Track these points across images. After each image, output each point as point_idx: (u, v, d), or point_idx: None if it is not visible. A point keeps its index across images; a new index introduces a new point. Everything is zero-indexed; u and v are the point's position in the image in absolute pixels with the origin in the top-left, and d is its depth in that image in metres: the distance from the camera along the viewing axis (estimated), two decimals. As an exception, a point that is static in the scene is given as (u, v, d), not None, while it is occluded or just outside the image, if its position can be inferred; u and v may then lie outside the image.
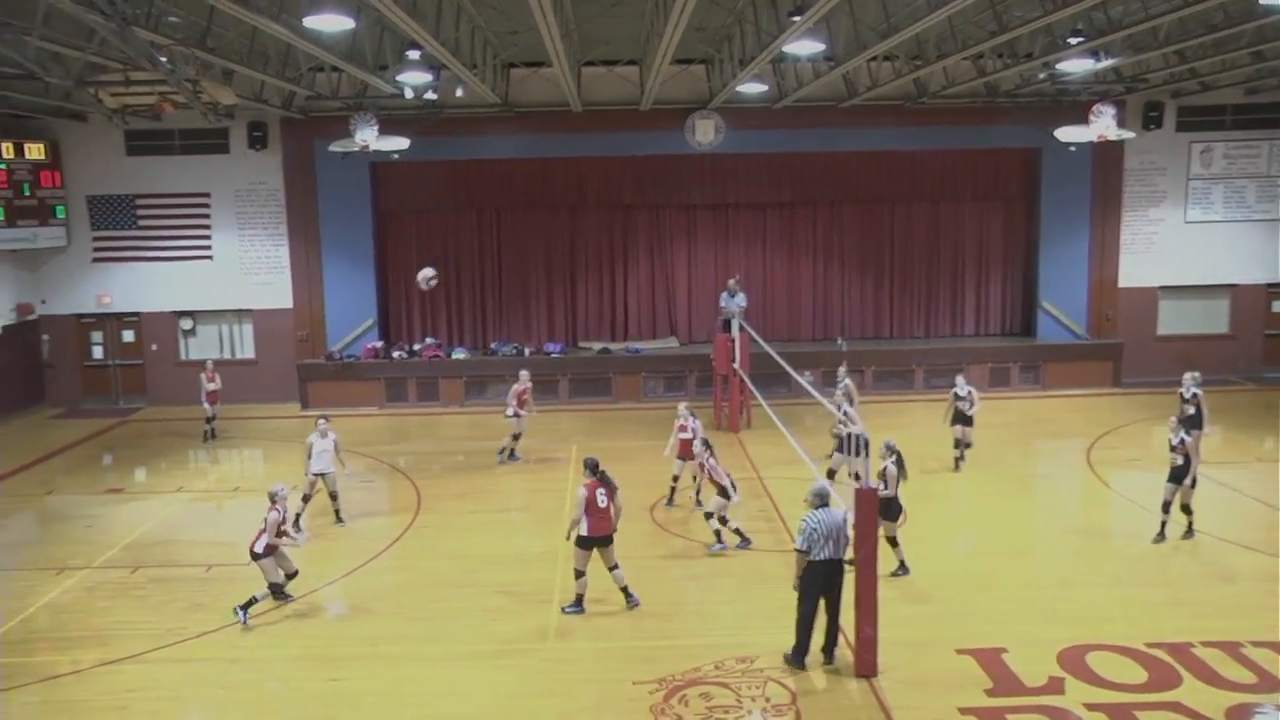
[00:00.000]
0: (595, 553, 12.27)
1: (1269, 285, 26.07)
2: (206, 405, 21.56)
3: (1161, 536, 14.38)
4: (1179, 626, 11.71)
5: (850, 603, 10.76)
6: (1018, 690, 10.39)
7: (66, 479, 19.33)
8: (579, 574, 12.30)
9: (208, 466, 20.43)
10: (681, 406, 16.38)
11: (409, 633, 12.09)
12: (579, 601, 12.33)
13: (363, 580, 13.91)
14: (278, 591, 12.69)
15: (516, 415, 19.24)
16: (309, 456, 15.58)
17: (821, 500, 10.67)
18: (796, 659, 10.80)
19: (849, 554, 10.75)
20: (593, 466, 12.24)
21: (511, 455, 19.52)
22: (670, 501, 16.47)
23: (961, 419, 17.98)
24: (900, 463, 13.23)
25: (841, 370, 19.10)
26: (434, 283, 18.60)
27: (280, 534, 12.42)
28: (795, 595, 10.86)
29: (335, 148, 21.53)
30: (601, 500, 12.08)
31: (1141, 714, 9.90)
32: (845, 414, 15.43)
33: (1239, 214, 25.77)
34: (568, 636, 11.88)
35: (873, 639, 10.68)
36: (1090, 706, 10.01)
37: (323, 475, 15.62)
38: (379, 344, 25.08)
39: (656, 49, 16.90)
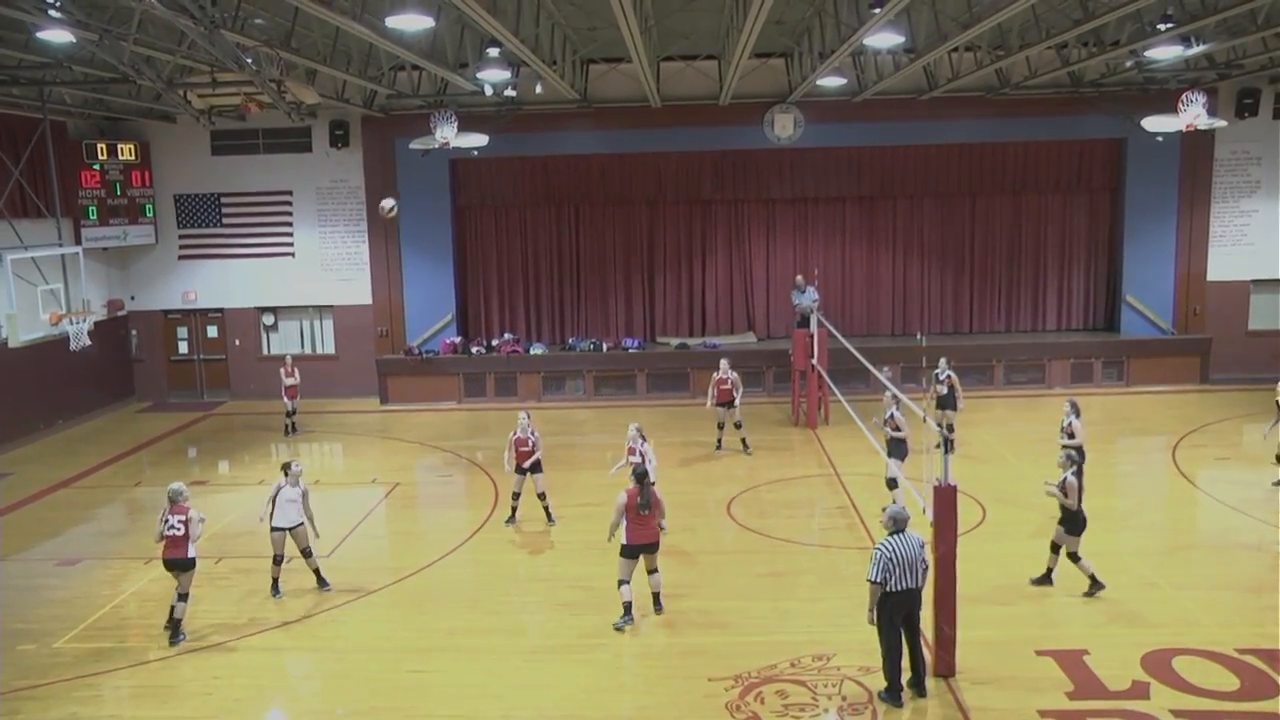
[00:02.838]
0: (641, 560, 12.16)
1: (1369, 279, 25.10)
2: (286, 400, 22.02)
3: None
4: (1273, 632, 11.32)
5: (929, 600, 10.59)
6: (1100, 694, 10.16)
7: (154, 471, 19.88)
8: (621, 583, 12.04)
9: (289, 460, 20.78)
10: (632, 428, 15.30)
11: (487, 626, 12.23)
12: (627, 611, 12.07)
13: (440, 574, 14.10)
14: (175, 614, 11.94)
15: (731, 405, 19.19)
16: (272, 506, 13.13)
17: (897, 525, 10.01)
18: (892, 697, 10.09)
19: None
20: (639, 477, 12.17)
21: (744, 445, 19.59)
22: (511, 520, 15.83)
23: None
24: (1081, 473, 12.55)
25: (943, 362, 18.88)
26: (393, 213, 18.56)
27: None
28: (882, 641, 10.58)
29: (415, 145, 21.80)
30: (643, 509, 11.94)
31: (1234, 723, 9.62)
32: (891, 416, 15.19)
33: (1339, 204, 24.84)
34: (644, 632, 11.91)
35: (951, 638, 10.53)
36: (1177, 713, 9.75)
37: (290, 530, 13.09)
38: (457, 339, 25.37)
39: (736, 43, 16.83)
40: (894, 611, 9.96)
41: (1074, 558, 12.50)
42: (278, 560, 13.14)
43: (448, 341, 25.25)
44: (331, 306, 25.86)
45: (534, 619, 12.38)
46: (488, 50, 18.23)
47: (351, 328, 25.72)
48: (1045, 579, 12.76)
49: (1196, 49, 17.75)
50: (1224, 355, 24.70)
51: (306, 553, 13.25)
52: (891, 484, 15.03)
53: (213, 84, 15.98)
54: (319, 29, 16.94)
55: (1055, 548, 12.66)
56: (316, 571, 13.39)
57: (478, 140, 21.68)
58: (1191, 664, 10.68)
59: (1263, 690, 10.18)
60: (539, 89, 21.89)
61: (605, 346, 25.31)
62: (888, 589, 9.87)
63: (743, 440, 19.54)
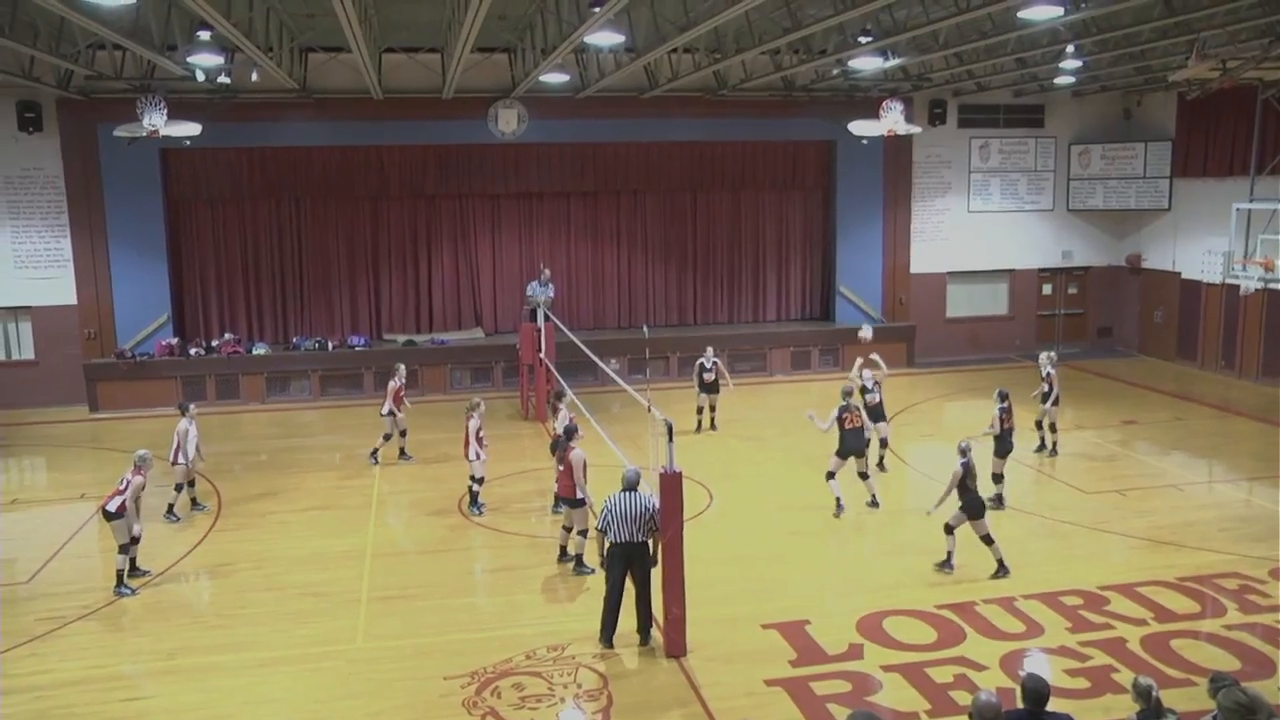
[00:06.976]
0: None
1: (1039, 270, 28.17)
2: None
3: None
4: (965, 588, 12.53)
5: (659, 585, 10.97)
6: (820, 659, 10.83)
7: None
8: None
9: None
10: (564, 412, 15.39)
11: (211, 642, 11.60)
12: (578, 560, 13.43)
13: (158, 590, 13.24)
14: (130, 557, 13.11)
15: (392, 414, 18.20)
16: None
17: (626, 485, 11.11)
18: (602, 637, 11.15)
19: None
20: (569, 433, 13.56)
21: (402, 454, 18.60)
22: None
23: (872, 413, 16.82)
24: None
25: (1044, 358, 18.37)
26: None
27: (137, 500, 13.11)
28: (605, 584, 11.17)
29: (120, 132, 20.30)
30: (559, 464, 13.36)
31: (931, 670, 10.54)
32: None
33: (1013, 204, 27.72)
34: (376, 636, 11.68)
35: (681, 619, 10.91)
36: (886, 668, 10.58)
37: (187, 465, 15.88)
38: (174, 340, 23.90)
39: (458, 37, 16.70)
40: (613, 558, 11.04)
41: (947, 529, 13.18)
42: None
43: (163, 343, 23.74)
44: (29, 308, 23.69)
45: (261, 630, 11.85)
46: (198, 33, 17.23)
47: (54, 330, 23.64)
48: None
49: (892, 62, 19.22)
50: (926, 340, 26.87)
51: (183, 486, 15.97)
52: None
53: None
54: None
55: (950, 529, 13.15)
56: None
57: (190, 129, 20.42)
58: (899, 623, 11.63)
59: (954, 638, 11.28)
60: (255, 76, 20.91)
61: (331, 345, 24.55)
62: (610, 539, 10.98)
63: (399, 448, 18.75)
